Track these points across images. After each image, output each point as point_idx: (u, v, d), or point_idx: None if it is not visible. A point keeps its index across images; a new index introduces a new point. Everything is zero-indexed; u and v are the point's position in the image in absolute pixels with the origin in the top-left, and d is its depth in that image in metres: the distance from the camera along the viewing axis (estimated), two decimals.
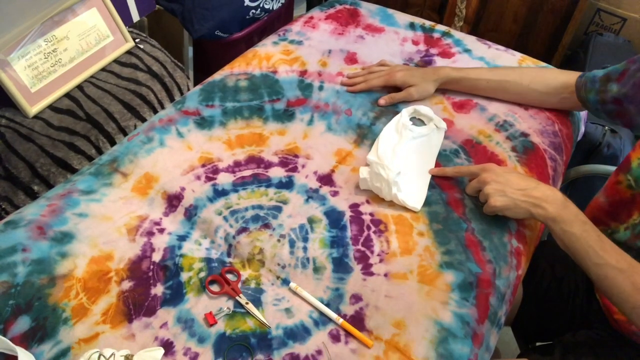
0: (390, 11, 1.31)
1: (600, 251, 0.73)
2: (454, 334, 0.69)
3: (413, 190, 0.85)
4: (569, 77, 0.98)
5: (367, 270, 0.76)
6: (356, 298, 0.73)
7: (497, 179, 0.80)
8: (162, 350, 0.65)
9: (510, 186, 0.79)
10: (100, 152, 1.12)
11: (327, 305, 0.72)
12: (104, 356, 0.62)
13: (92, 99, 1.15)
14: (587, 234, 0.74)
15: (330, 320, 0.70)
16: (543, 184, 0.80)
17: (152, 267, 0.75)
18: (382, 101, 1.03)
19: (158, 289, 0.72)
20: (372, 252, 0.78)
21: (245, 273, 0.76)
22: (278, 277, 0.75)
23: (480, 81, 1.02)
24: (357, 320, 0.70)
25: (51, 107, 1.11)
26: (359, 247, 0.79)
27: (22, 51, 1.05)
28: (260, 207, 0.84)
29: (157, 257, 0.76)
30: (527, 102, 1.04)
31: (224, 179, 0.88)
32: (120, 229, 0.78)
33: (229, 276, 0.74)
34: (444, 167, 0.90)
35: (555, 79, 1.00)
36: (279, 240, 0.79)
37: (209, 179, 0.87)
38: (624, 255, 0.72)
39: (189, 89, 1.33)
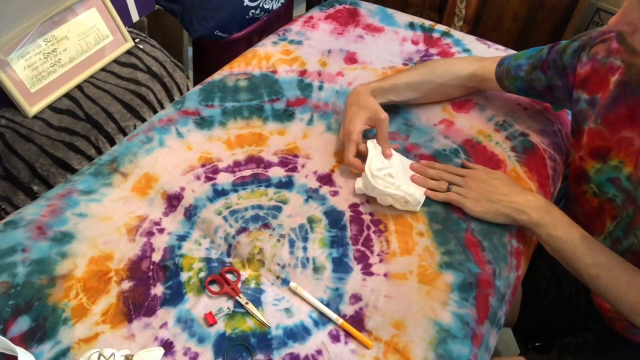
0: (390, 11, 1.31)
1: (589, 251, 0.72)
2: (453, 335, 0.69)
3: (412, 191, 0.85)
4: (475, 66, 0.98)
5: (366, 270, 0.76)
6: (356, 298, 0.73)
7: (481, 184, 0.82)
8: (162, 350, 0.65)
9: (493, 192, 0.81)
10: (100, 152, 1.12)
11: (327, 305, 0.72)
12: (103, 356, 0.62)
13: (92, 99, 1.15)
14: (574, 235, 0.74)
15: (330, 320, 0.70)
16: (526, 190, 0.81)
17: (151, 267, 0.75)
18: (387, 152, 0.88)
19: (158, 289, 0.72)
20: (371, 252, 0.78)
21: (245, 273, 0.76)
22: (278, 277, 0.76)
23: (398, 85, 0.96)
24: (357, 320, 0.70)
25: (51, 107, 1.11)
26: (359, 247, 0.79)
27: (22, 51, 1.05)
28: (260, 207, 0.84)
29: (156, 257, 0.76)
30: (439, 97, 1.02)
31: (224, 179, 0.88)
32: (120, 229, 0.78)
33: (229, 276, 0.74)
34: (433, 162, 0.91)
35: (464, 69, 0.99)
36: (278, 240, 0.79)
37: (208, 179, 0.87)
38: (613, 255, 0.72)
39: (188, 89, 1.33)
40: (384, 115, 0.88)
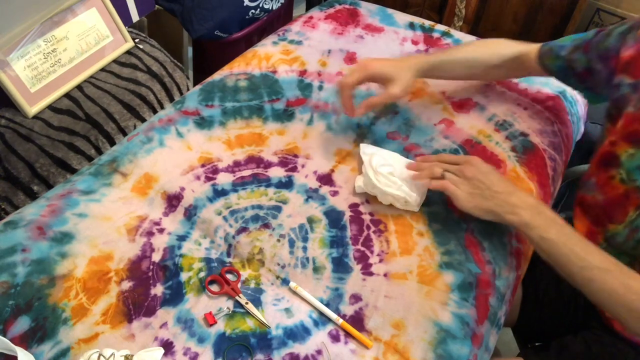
0: (390, 11, 1.31)
1: (582, 253, 0.69)
2: (453, 335, 0.69)
3: (413, 191, 0.85)
4: (520, 47, 0.97)
5: (366, 270, 0.76)
6: (356, 298, 0.73)
7: (478, 176, 0.79)
8: (162, 350, 0.65)
9: (489, 187, 0.78)
10: (99, 152, 1.12)
11: (327, 305, 0.72)
12: (103, 356, 0.62)
13: (92, 99, 1.15)
14: (567, 237, 0.71)
15: (330, 320, 0.70)
16: (519, 190, 0.78)
17: (151, 267, 0.75)
18: (361, 110, 0.91)
19: (158, 289, 0.72)
20: (371, 252, 0.78)
21: (245, 273, 0.76)
22: (278, 277, 0.76)
23: (453, 60, 0.98)
24: (357, 320, 0.70)
25: (51, 107, 1.11)
26: (359, 247, 0.79)
27: (22, 51, 1.06)
28: (259, 207, 0.84)
29: (156, 257, 0.76)
30: (483, 78, 1.04)
31: (224, 179, 0.88)
32: (119, 229, 0.78)
33: (229, 276, 0.74)
34: (427, 156, 0.90)
35: (509, 49, 0.98)
36: (278, 240, 0.79)
37: (208, 179, 0.87)
38: (608, 257, 0.69)
39: (188, 89, 1.33)
40: (398, 93, 0.88)
